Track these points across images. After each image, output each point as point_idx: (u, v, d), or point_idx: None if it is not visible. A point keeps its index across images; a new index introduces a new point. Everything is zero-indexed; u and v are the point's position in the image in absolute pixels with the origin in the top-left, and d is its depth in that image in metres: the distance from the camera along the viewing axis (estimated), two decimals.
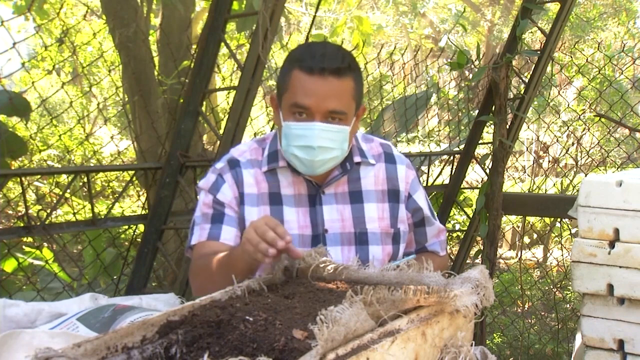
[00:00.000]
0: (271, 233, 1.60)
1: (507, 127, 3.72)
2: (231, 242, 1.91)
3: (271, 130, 3.38)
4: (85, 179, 3.35)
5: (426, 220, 2.11)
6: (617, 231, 1.65)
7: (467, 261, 4.39)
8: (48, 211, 3.33)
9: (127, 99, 5.03)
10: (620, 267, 1.64)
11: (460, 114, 5.55)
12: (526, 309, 5.92)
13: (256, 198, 1.96)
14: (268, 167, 1.98)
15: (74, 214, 5.01)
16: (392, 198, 2.04)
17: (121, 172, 5.72)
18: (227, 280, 1.66)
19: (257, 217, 1.81)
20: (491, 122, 3.78)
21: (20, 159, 5.58)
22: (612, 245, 1.66)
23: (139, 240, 3.54)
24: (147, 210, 3.54)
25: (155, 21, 6.06)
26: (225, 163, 2.01)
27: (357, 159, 2.02)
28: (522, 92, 3.92)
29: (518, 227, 6.18)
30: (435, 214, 2.17)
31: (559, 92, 5.44)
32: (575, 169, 5.74)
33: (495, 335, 5.43)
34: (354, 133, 1.99)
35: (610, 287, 1.66)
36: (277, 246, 1.59)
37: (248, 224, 1.81)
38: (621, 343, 1.67)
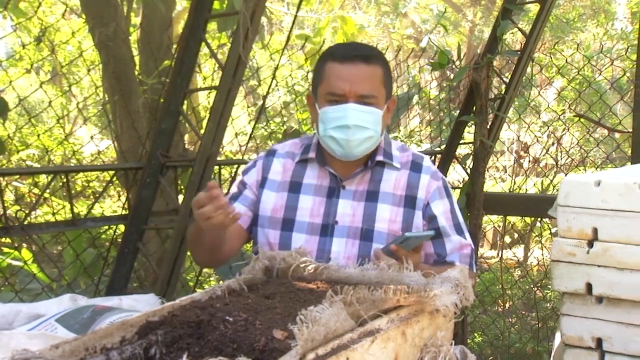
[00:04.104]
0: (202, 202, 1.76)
1: (488, 127, 3.74)
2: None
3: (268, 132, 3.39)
4: (65, 179, 3.32)
5: (442, 231, 2.06)
6: (595, 230, 1.66)
7: None
8: (27, 211, 3.29)
9: (107, 99, 4.99)
10: (598, 266, 1.65)
11: (441, 114, 5.56)
12: (507, 308, 5.96)
13: (277, 184, 2.12)
14: (300, 157, 2.13)
15: (54, 214, 4.94)
16: (409, 204, 2.07)
17: (101, 172, 5.68)
18: (202, 246, 1.98)
19: (274, 202, 2.08)
20: (472, 122, 3.80)
21: None
22: (590, 244, 1.66)
23: (119, 240, 3.51)
24: (127, 211, 3.51)
25: (136, 20, 6.01)
26: (266, 152, 2.21)
27: (379, 157, 2.08)
28: (502, 92, 3.95)
29: (499, 226, 6.20)
30: (464, 228, 2.12)
31: (539, 92, 5.49)
32: (555, 169, 5.77)
33: (476, 334, 5.46)
34: (386, 124, 2.08)
35: (589, 286, 1.67)
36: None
37: (263, 205, 2.08)
38: (599, 341, 1.68)
